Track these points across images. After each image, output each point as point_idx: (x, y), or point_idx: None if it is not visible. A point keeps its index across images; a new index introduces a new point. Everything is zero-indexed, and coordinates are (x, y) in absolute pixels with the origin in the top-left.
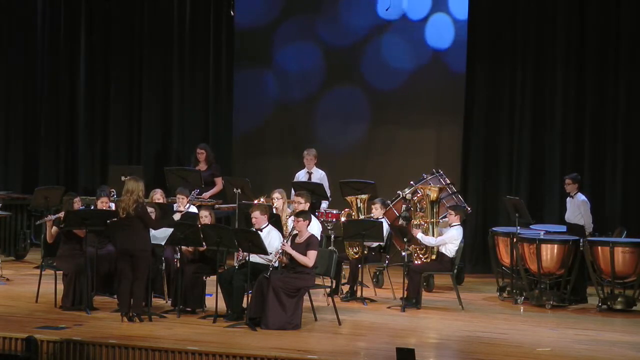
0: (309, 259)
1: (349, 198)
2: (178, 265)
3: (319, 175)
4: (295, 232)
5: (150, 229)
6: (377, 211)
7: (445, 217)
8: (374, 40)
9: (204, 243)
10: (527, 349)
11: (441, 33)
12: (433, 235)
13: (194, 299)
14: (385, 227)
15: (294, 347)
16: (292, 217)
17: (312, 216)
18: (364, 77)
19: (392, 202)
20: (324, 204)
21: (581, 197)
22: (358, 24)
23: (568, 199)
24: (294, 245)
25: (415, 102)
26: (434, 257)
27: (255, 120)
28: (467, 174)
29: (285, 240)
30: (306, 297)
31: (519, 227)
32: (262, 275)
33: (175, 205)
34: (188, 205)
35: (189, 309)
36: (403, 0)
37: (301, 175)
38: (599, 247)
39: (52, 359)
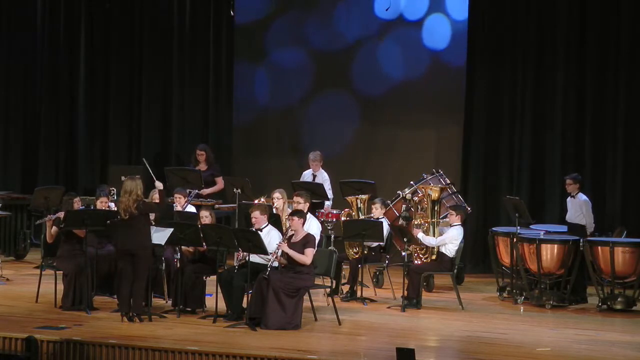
0: (307, 256)
1: (349, 198)
2: (178, 265)
3: (322, 178)
4: (291, 232)
5: (151, 229)
6: (377, 211)
7: (446, 217)
8: (373, 41)
9: (204, 243)
10: (527, 349)
11: (440, 33)
12: (433, 235)
13: (194, 299)
14: (386, 227)
15: (294, 347)
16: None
17: (312, 216)
18: (365, 77)
19: (392, 202)
20: (328, 204)
21: (582, 197)
22: (356, 24)
23: (569, 199)
24: (290, 245)
25: (415, 102)
26: (434, 257)
27: (256, 121)
28: (467, 174)
29: (282, 240)
30: (306, 297)
31: (519, 227)
32: (260, 275)
33: (173, 205)
34: (186, 204)
35: (189, 309)
36: (401, 0)
37: (307, 175)
38: (599, 247)
39: (52, 359)
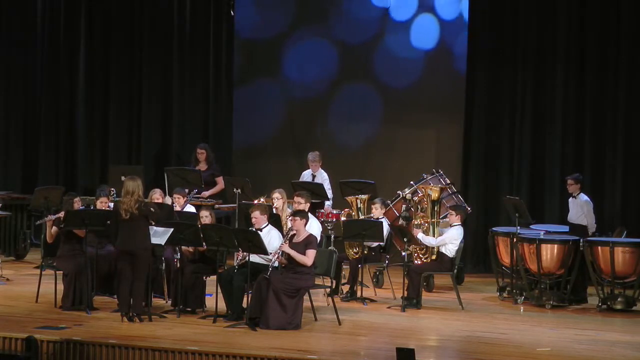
0: (308, 257)
1: (349, 198)
2: (178, 265)
3: (321, 178)
4: (293, 232)
5: (151, 229)
6: (377, 211)
7: (446, 217)
8: (374, 42)
9: (204, 243)
10: (527, 349)
11: (440, 34)
12: (433, 236)
13: (194, 299)
14: (386, 227)
15: (294, 347)
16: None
17: (312, 216)
18: (364, 78)
19: (392, 202)
20: (328, 204)
21: (584, 197)
22: (357, 25)
23: (570, 199)
24: (292, 245)
25: (415, 102)
26: (434, 257)
27: (256, 120)
28: (467, 174)
29: (284, 240)
30: (306, 297)
31: (519, 227)
32: (261, 275)
33: (173, 206)
34: (185, 204)
35: (189, 309)
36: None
37: (306, 175)
38: (599, 247)
39: (52, 359)
